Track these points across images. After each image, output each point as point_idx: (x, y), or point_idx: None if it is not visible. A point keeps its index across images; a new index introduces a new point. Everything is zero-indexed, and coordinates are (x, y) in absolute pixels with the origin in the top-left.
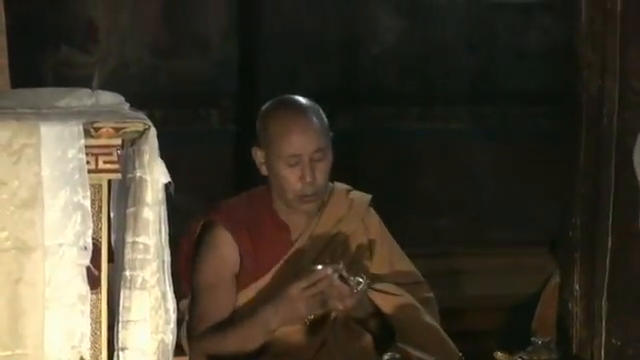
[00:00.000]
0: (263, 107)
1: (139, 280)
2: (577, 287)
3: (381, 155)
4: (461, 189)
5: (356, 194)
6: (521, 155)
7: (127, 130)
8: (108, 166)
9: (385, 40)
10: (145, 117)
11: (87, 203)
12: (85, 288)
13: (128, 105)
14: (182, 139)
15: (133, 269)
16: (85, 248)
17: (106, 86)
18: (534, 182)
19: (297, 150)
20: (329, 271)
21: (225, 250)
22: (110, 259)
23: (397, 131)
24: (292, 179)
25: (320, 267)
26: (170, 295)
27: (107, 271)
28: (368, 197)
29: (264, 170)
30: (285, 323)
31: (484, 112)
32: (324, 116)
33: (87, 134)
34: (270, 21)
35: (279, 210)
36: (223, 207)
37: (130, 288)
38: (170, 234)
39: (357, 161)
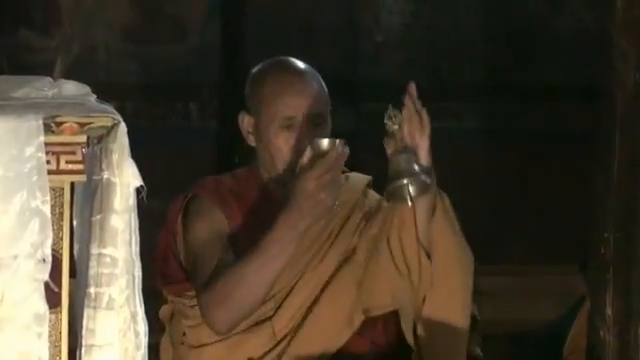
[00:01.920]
0: (254, 69)
1: (105, 298)
2: (609, 312)
3: (384, 158)
4: (475, 197)
5: (353, 173)
6: (545, 160)
7: (93, 126)
8: (71, 167)
9: (390, 25)
10: (114, 111)
11: (46, 209)
12: (43, 307)
13: (95, 97)
14: (156, 136)
15: (99, 285)
16: (43, 261)
17: (70, 74)
18: (560, 191)
19: (293, 111)
20: (340, 149)
21: (215, 219)
22: (72, 274)
23: None
24: (285, 147)
25: (325, 142)
26: (141, 316)
27: (68, 287)
28: (367, 177)
29: (251, 140)
30: (314, 221)
31: (503, 109)
32: (324, 83)
33: (47, 130)
34: (257, 2)
35: (269, 185)
36: (209, 181)
37: (95, 307)
38: (141, 245)
39: (357, 165)
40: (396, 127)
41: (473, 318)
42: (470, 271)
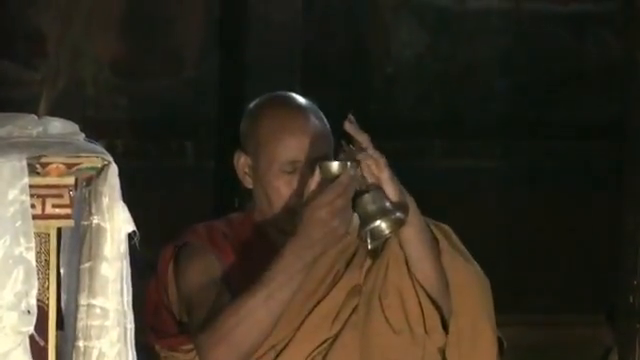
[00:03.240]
0: (251, 104)
1: (95, 353)
2: None
3: None
4: (493, 242)
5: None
6: (567, 201)
7: (82, 167)
8: (58, 211)
9: (402, 57)
10: (104, 150)
11: (31, 256)
12: None
13: (83, 135)
14: (150, 178)
15: (88, 339)
16: (28, 312)
17: (56, 111)
18: (584, 235)
19: (295, 154)
20: (352, 172)
21: (209, 264)
22: (59, 326)
23: (416, 169)
24: (285, 192)
25: (335, 166)
26: None
27: (55, 341)
28: None
29: (248, 182)
30: (324, 251)
31: (522, 148)
32: (327, 122)
33: (32, 171)
34: (259, 33)
35: (267, 230)
36: (200, 228)
37: None
38: (134, 295)
39: None
40: (357, 171)
41: (500, 343)
42: (490, 295)
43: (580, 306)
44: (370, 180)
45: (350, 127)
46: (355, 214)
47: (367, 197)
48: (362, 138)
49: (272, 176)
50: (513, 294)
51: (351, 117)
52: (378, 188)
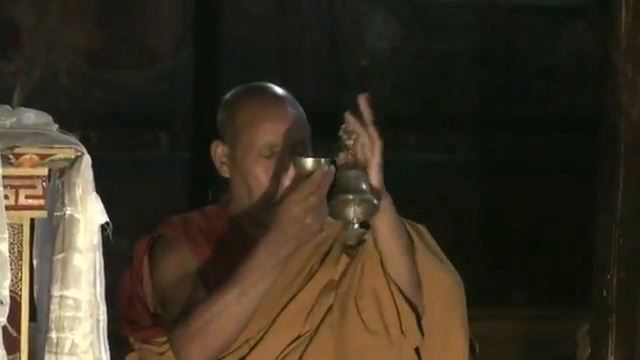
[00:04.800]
0: (228, 94)
1: (68, 344)
2: None
3: None
4: (469, 236)
5: None
6: (543, 194)
7: (55, 157)
8: (31, 202)
9: (376, 50)
10: (77, 141)
11: (4, 247)
12: (0, 353)
13: (57, 126)
14: (123, 169)
15: (60, 330)
16: (1, 303)
17: (30, 102)
18: (559, 228)
19: (274, 139)
20: (325, 168)
21: (184, 258)
22: (32, 317)
23: (390, 163)
24: (264, 177)
25: (310, 162)
26: None
27: (28, 332)
28: None
29: (225, 171)
30: (297, 247)
31: (498, 141)
32: (302, 109)
33: (5, 162)
34: (234, 24)
35: (243, 222)
36: (175, 220)
37: (56, 353)
38: (107, 286)
39: None
40: (351, 142)
41: (472, 345)
42: (463, 297)
43: (565, 300)
44: (361, 159)
45: (363, 101)
46: (328, 208)
47: (351, 172)
48: (368, 115)
49: (250, 162)
50: (492, 288)
51: (364, 97)
52: (362, 169)
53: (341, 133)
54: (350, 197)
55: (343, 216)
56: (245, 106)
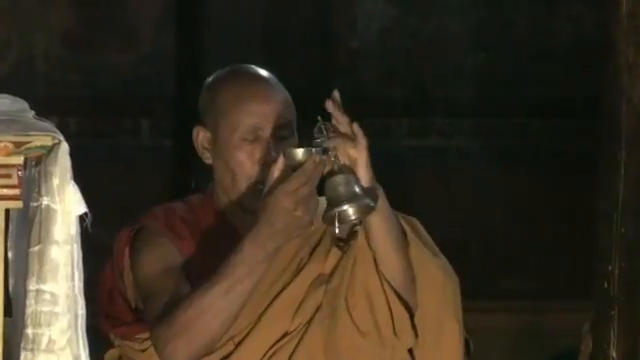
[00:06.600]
0: (209, 78)
1: (45, 340)
2: (614, 354)
3: None
4: (465, 225)
5: (323, 197)
6: (541, 182)
7: (31, 145)
8: (6, 191)
9: (367, 32)
10: (55, 129)
11: None
12: None
13: (33, 112)
14: (103, 157)
15: (37, 326)
16: None
17: (4, 86)
18: (558, 217)
19: (258, 121)
20: (317, 158)
21: (166, 251)
22: (7, 312)
23: (382, 149)
24: (248, 162)
25: (300, 152)
26: (85, 359)
27: (3, 328)
28: None
29: (207, 157)
30: (286, 241)
31: (493, 126)
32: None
33: None
34: (217, 5)
35: (227, 212)
36: (157, 211)
37: (33, 350)
38: (86, 280)
39: None
40: (330, 144)
41: (467, 344)
42: (458, 292)
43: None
44: (343, 162)
45: (332, 106)
46: (321, 199)
47: (339, 179)
48: (342, 120)
49: (234, 147)
50: (488, 278)
51: (336, 94)
52: (351, 171)
53: (316, 135)
54: (344, 207)
55: (342, 225)
56: (227, 88)
